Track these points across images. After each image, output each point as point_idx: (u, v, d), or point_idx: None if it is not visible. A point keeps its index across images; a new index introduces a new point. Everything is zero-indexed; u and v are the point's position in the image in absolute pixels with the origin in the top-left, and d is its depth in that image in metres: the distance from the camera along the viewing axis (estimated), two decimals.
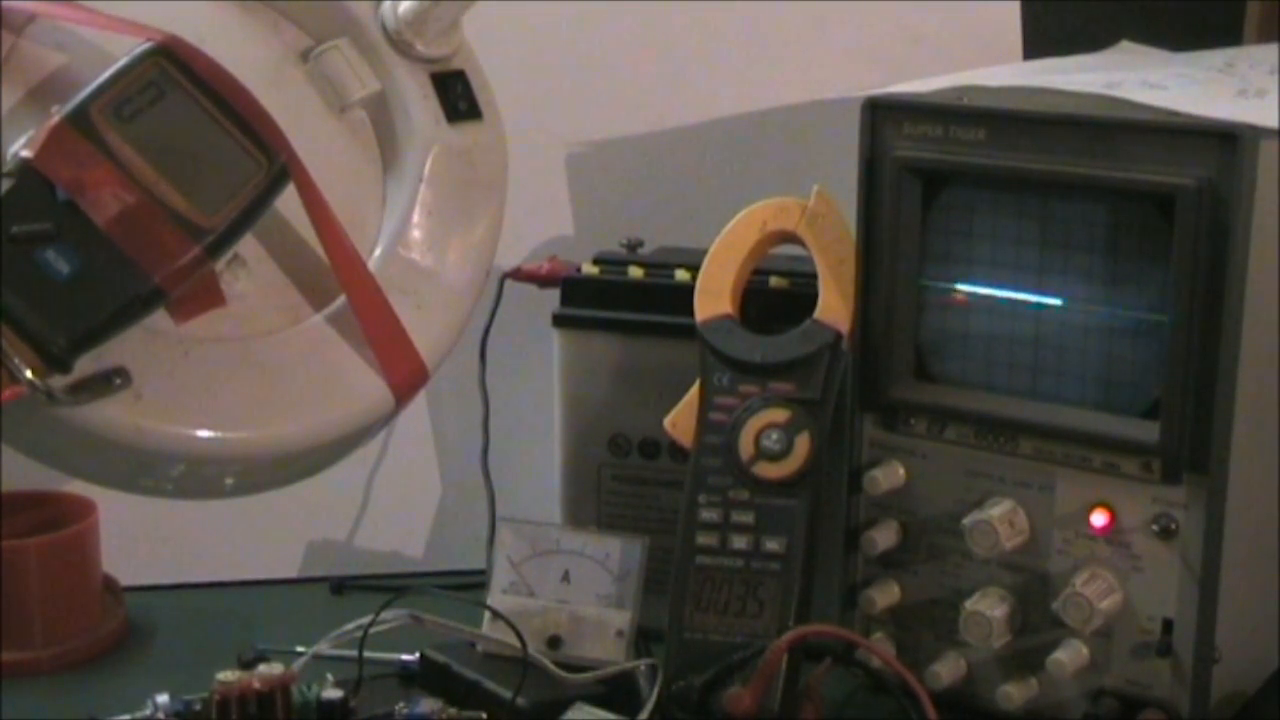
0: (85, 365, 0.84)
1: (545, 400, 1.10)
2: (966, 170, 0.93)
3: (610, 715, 0.92)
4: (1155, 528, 0.90)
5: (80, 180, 0.83)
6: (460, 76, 0.99)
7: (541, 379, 1.10)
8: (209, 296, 0.88)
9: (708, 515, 0.97)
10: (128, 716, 0.93)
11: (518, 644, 0.95)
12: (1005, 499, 0.93)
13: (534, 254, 1.17)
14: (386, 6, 0.97)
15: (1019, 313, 0.93)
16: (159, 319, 0.87)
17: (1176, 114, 0.89)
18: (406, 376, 0.93)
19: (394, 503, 1.21)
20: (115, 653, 1.07)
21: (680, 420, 1.00)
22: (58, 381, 0.83)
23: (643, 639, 1.00)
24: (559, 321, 1.08)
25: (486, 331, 1.11)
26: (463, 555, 1.18)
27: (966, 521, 0.93)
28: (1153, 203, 0.87)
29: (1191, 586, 0.89)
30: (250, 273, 0.90)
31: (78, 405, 0.84)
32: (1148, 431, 0.89)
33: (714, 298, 0.99)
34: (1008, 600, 0.94)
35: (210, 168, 0.86)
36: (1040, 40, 1.27)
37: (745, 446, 0.97)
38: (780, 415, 0.97)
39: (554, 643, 0.98)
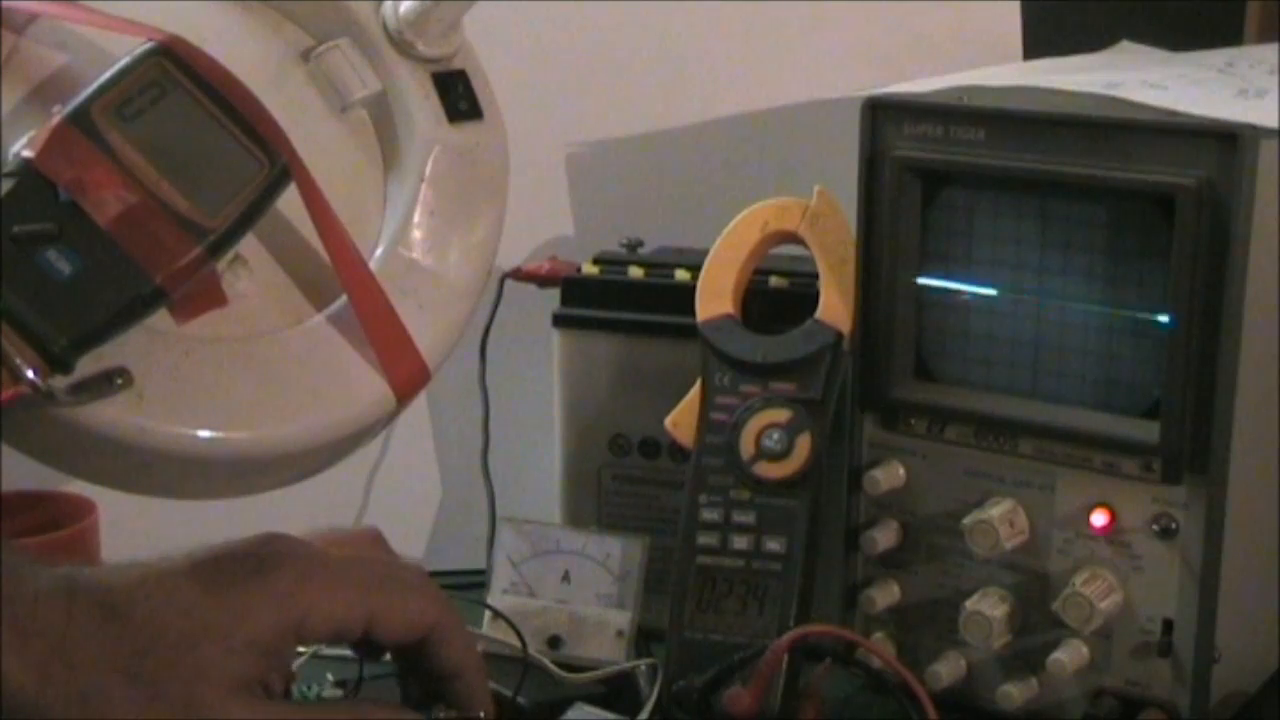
0: (86, 365, 0.83)
1: (545, 400, 1.10)
2: (966, 170, 0.93)
3: (610, 715, 0.92)
4: (1155, 528, 0.90)
5: (82, 180, 0.83)
6: (461, 76, 0.98)
7: (541, 379, 1.10)
8: (210, 297, 0.88)
9: (709, 515, 0.97)
10: None
11: (518, 644, 0.95)
12: (1005, 499, 0.93)
13: (534, 254, 1.17)
14: (387, 6, 0.97)
15: (1019, 313, 0.93)
16: (160, 319, 0.86)
17: (1176, 114, 0.89)
18: (408, 376, 0.93)
19: (394, 503, 1.21)
20: None
21: (681, 420, 1.00)
22: (59, 382, 0.83)
23: (643, 639, 1.00)
24: (559, 321, 1.08)
25: (486, 331, 1.11)
26: (463, 555, 1.18)
27: (966, 521, 0.93)
28: (1153, 203, 0.87)
29: (1191, 586, 0.89)
30: (251, 273, 0.90)
31: (79, 405, 0.84)
32: (1148, 431, 0.89)
33: (715, 297, 1.00)
34: (1008, 600, 0.94)
35: (212, 168, 0.85)
36: (1040, 40, 1.27)
37: (746, 446, 0.97)
38: (781, 415, 0.97)
39: (554, 643, 0.98)
